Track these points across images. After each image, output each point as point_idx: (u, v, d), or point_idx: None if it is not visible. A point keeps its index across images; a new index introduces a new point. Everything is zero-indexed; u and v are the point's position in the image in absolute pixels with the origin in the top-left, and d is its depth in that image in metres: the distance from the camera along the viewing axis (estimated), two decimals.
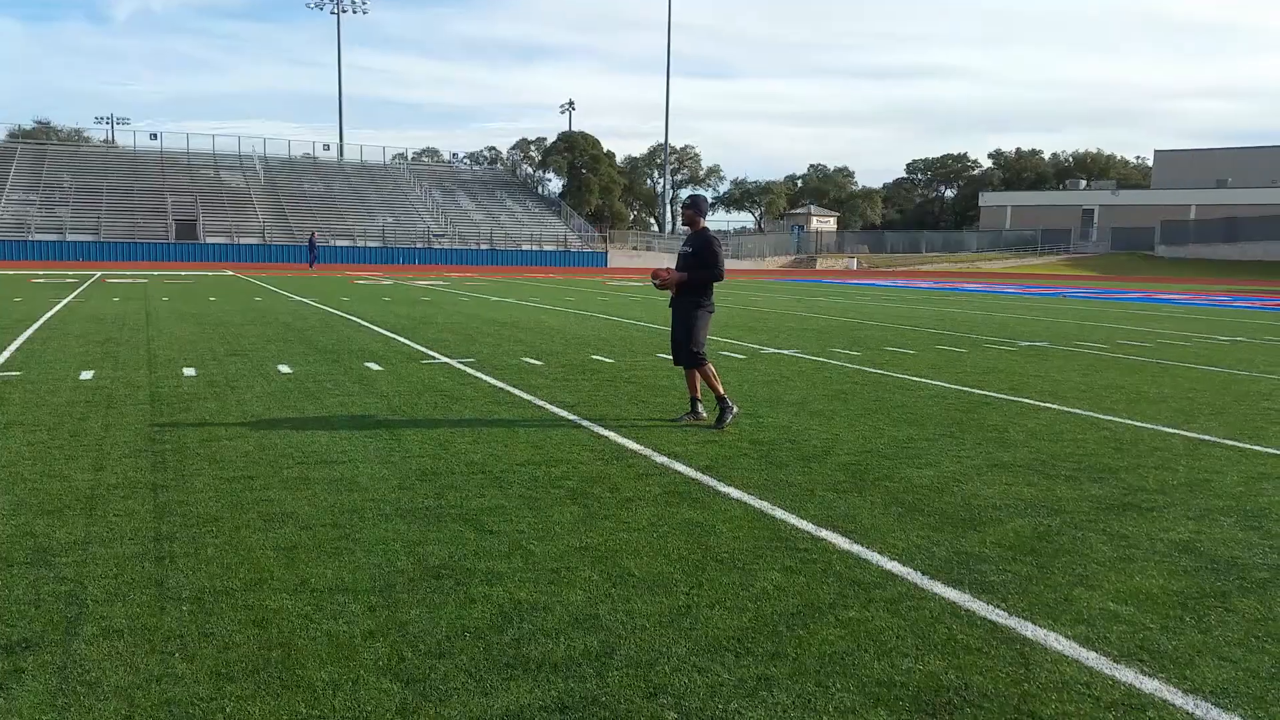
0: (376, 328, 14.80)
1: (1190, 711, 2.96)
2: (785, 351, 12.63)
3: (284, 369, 9.96)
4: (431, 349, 12.02)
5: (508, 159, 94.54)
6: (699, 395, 7.60)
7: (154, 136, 65.69)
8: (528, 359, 11.17)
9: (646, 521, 4.79)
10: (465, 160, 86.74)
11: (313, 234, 49.19)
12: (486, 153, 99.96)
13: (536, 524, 4.71)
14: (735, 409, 7.40)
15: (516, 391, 8.77)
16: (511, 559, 4.19)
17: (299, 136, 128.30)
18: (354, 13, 75.34)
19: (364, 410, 7.68)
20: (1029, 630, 3.55)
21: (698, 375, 7.49)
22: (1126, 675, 3.19)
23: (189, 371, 9.69)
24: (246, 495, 5.11)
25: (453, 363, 10.73)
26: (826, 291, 31.64)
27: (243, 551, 4.22)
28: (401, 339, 13.19)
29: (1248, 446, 6.93)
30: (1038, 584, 4.04)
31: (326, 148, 72.07)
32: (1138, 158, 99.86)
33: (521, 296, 24.48)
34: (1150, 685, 3.12)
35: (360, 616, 3.53)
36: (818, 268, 64.26)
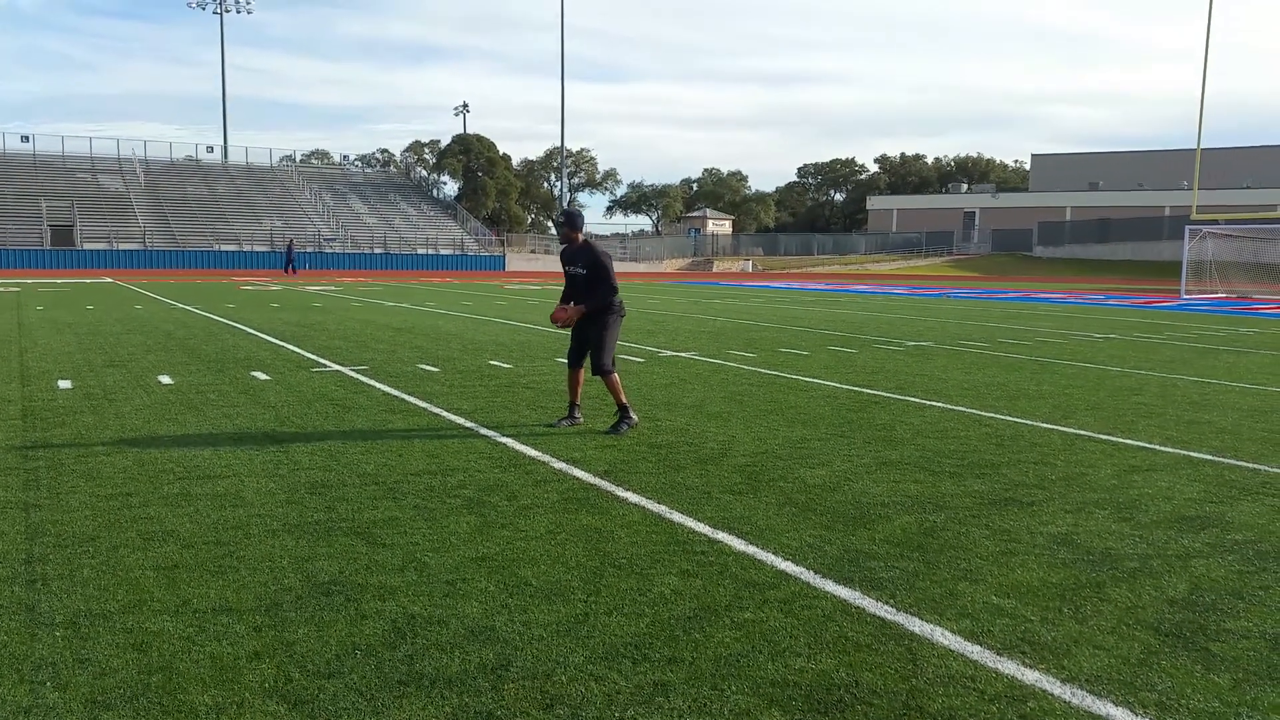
0: (264, 335, 14.32)
1: (1067, 700, 3.08)
2: (683, 354, 12.74)
3: (165, 380, 9.54)
4: (322, 357, 11.69)
5: (401, 161, 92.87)
6: (578, 400, 7.55)
7: (25, 139, 61.97)
8: (423, 366, 10.97)
9: (544, 529, 4.75)
10: (356, 162, 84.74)
11: (290, 241, 48.52)
12: (379, 155, 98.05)
13: (431, 535, 4.62)
14: (634, 420, 7.34)
15: (411, 399, 8.59)
16: (405, 572, 4.10)
17: (181, 138, 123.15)
18: (237, 12, 72.85)
19: (250, 422, 7.41)
20: (916, 626, 3.65)
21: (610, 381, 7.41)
22: (1009, 667, 3.31)
23: (64, 384, 9.19)
24: (125, 513, 4.86)
25: (345, 370, 10.46)
26: (723, 294, 32.08)
27: (120, 572, 4.01)
28: (290, 347, 12.78)
29: (1120, 440, 7.30)
30: (924, 579, 4.16)
31: (210, 150, 69.46)
32: (1016, 161, 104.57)
33: (417, 301, 24.05)
34: (1031, 676, 3.25)
35: (245, 637, 3.39)
36: (714, 270, 65.08)
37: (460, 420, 7.61)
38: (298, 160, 77.41)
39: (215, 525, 4.70)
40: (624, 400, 7.34)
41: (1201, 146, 36.72)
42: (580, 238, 7.47)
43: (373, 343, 13.45)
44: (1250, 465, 6.50)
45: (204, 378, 9.72)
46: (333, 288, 31.22)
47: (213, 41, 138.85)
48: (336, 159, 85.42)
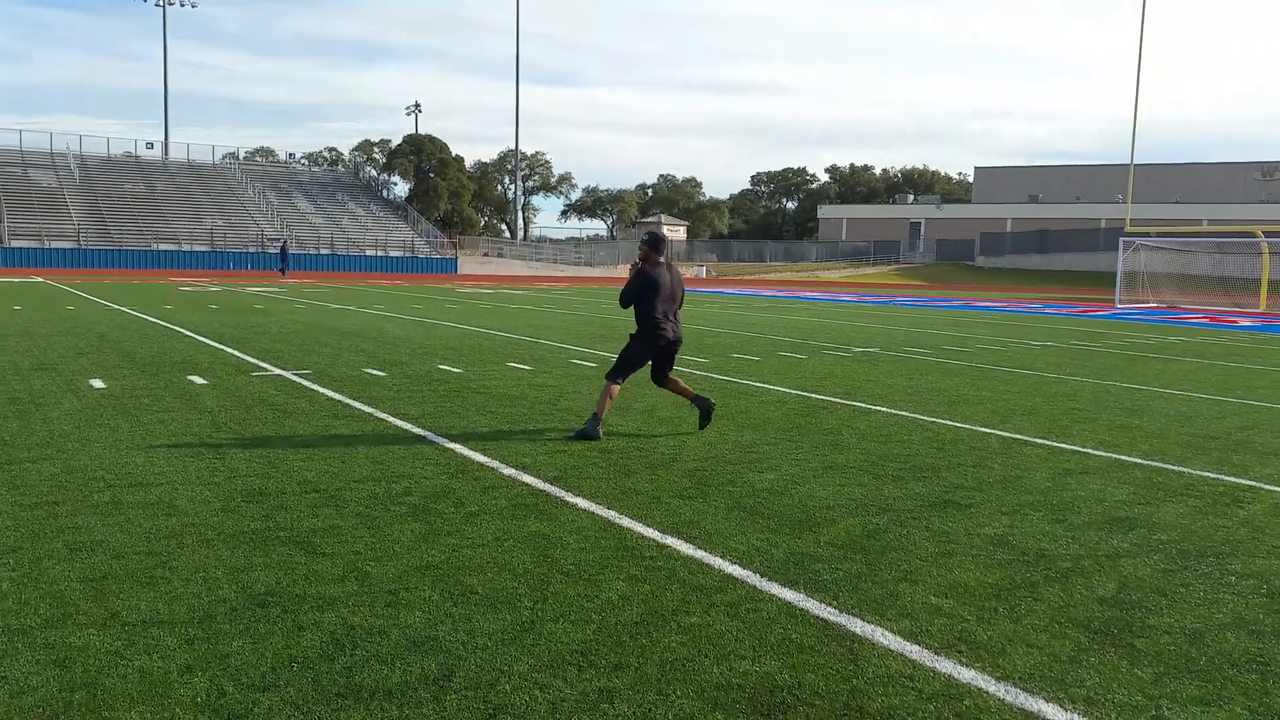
0: (202, 338, 14.03)
1: (1001, 698, 3.15)
2: None
3: (97, 384, 9.29)
4: (263, 360, 11.49)
5: (350, 160, 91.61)
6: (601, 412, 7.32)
7: None
8: (370, 370, 10.84)
9: (491, 536, 4.72)
10: (303, 161, 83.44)
11: (284, 240, 47.59)
12: (326, 154, 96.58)
13: (374, 544, 4.56)
14: (598, 434, 7.17)
15: (356, 404, 8.48)
16: (346, 582, 4.04)
17: (120, 134, 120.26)
18: (181, 5, 71.36)
19: (185, 427, 7.25)
20: (858, 627, 3.70)
21: (674, 385, 7.69)
22: (946, 666, 3.37)
23: None
24: (50, 523, 4.72)
25: (287, 375, 10.29)
26: None
27: (44, 585, 3.89)
28: (230, 350, 12.54)
29: (1055, 444, 7.47)
30: (866, 581, 4.22)
31: (150, 146, 67.82)
32: (960, 174, 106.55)
33: (364, 304, 23.75)
34: (967, 675, 3.31)
35: (176, 650, 3.32)
36: None
37: (407, 426, 7.53)
38: (241, 158, 76.01)
39: (147, 535, 4.58)
40: (601, 414, 7.26)
41: (1135, 163, 37.78)
42: (656, 257, 7.50)
43: (317, 346, 13.25)
44: (1176, 468, 6.70)
45: (138, 382, 9.49)
46: (276, 289, 30.69)
47: (154, 34, 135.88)
48: (282, 157, 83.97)
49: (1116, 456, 7.05)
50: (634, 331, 7.57)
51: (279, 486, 5.54)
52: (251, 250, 54.96)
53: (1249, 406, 9.82)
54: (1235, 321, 26.44)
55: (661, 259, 7.55)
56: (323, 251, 57.23)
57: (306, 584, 4.00)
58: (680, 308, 7.64)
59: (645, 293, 7.41)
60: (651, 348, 7.52)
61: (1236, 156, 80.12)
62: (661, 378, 7.73)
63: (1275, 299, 33.78)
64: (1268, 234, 35.03)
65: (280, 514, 4.99)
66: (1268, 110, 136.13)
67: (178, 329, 15.44)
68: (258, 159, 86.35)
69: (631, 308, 7.50)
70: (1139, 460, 6.94)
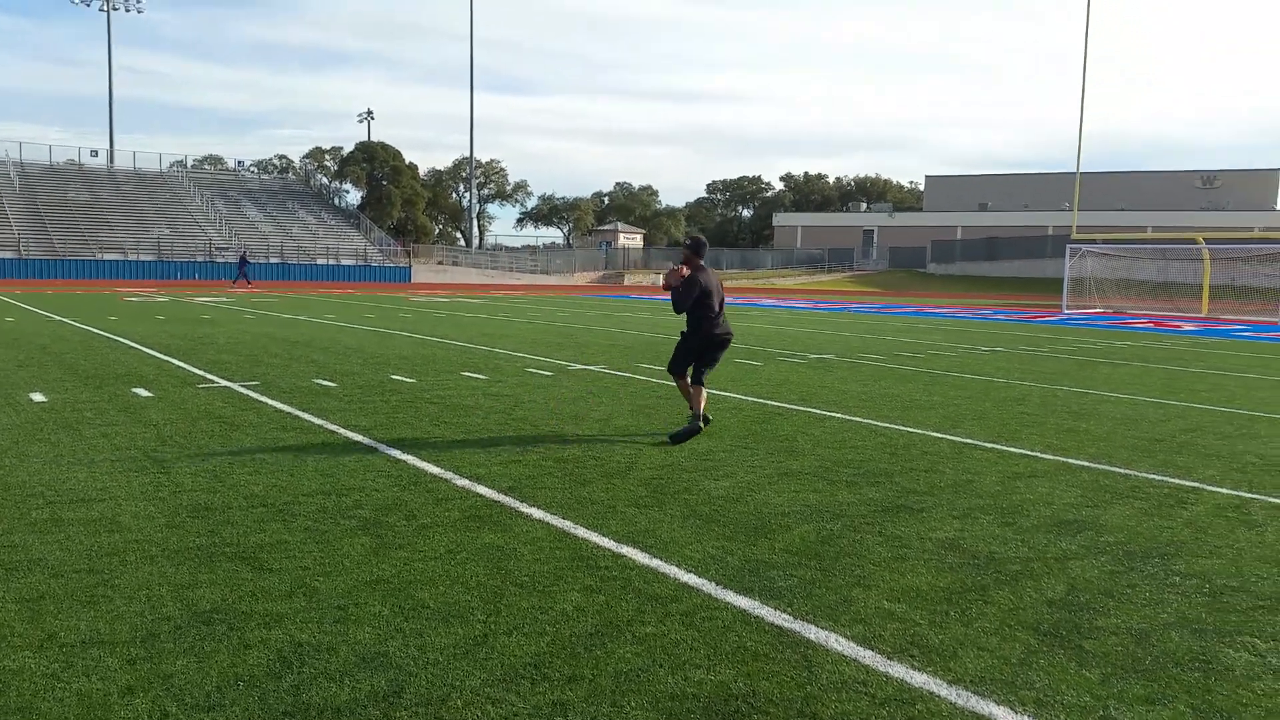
0: (148, 349, 13.73)
1: (953, 702, 3.17)
2: (592, 367, 12.72)
3: (37, 397, 9.05)
4: (210, 372, 11.27)
5: (300, 168, 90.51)
6: (697, 410, 7.76)
7: None
8: (320, 381, 10.69)
9: (444, 549, 4.66)
10: (252, 169, 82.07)
11: (244, 250, 46.99)
12: (276, 161, 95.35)
13: (323, 558, 4.48)
14: (699, 427, 7.66)
15: (306, 416, 8.35)
16: (293, 598, 3.96)
17: (63, 141, 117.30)
18: (126, 11, 70.04)
19: (129, 441, 7.08)
20: (812, 633, 3.71)
21: (692, 388, 7.87)
22: (899, 670, 3.39)
23: None
24: None
25: (234, 386, 10.10)
26: (634, 307, 32.20)
27: None
28: (176, 361, 12.29)
29: (1004, 448, 7.58)
30: (820, 587, 4.23)
31: (94, 153, 66.36)
32: (911, 182, 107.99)
33: (316, 313, 23.43)
34: (919, 679, 3.33)
35: (117, 671, 3.22)
36: (626, 283, 65.31)
37: (358, 437, 7.43)
38: (189, 165, 74.49)
39: (88, 552, 4.46)
40: (695, 408, 7.73)
41: (1080, 171, 38.61)
42: (698, 261, 7.92)
43: (266, 357, 13.04)
44: (1122, 470, 6.83)
45: (80, 394, 9.25)
46: (224, 299, 30.17)
47: (98, 40, 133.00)
48: (231, 165, 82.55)
49: (1064, 460, 7.17)
50: (684, 330, 8.03)
51: (225, 501, 5.43)
52: (200, 260, 53.99)
53: (1192, 409, 10.05)
54: (1179, 326, 27.07)
55: (702, 262, 7.97)
56: (273, 261, 56.37)
57: (253, 600, 3.91)
58: (723, 307, 8.10)
59: (698, 296, 7.88)
60: (703, 341, 7.94)
61: (1179, 165, 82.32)
62: (699, 376, 7.91)
63: (1217, 304, 34.68)
64: (1208, 241, 36.00)
65: (226, 529, 4.89)
66: (1208, 119, 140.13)
67: (122, 340, 15.10)
68: (206, 167, 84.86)
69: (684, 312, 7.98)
70: (1086, 463, 7.06)
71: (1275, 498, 6.12)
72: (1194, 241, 36.65)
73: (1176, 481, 6.52)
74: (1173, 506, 5.84)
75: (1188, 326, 27.02)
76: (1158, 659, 3.56)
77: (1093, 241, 39.35)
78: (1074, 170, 38.64)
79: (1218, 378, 13.32)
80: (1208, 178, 72.60)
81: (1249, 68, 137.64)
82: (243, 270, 44.32)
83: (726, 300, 8.26)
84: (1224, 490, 6.29)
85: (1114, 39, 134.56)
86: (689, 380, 7.92)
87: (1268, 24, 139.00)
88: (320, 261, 58.34)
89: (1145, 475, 6.69)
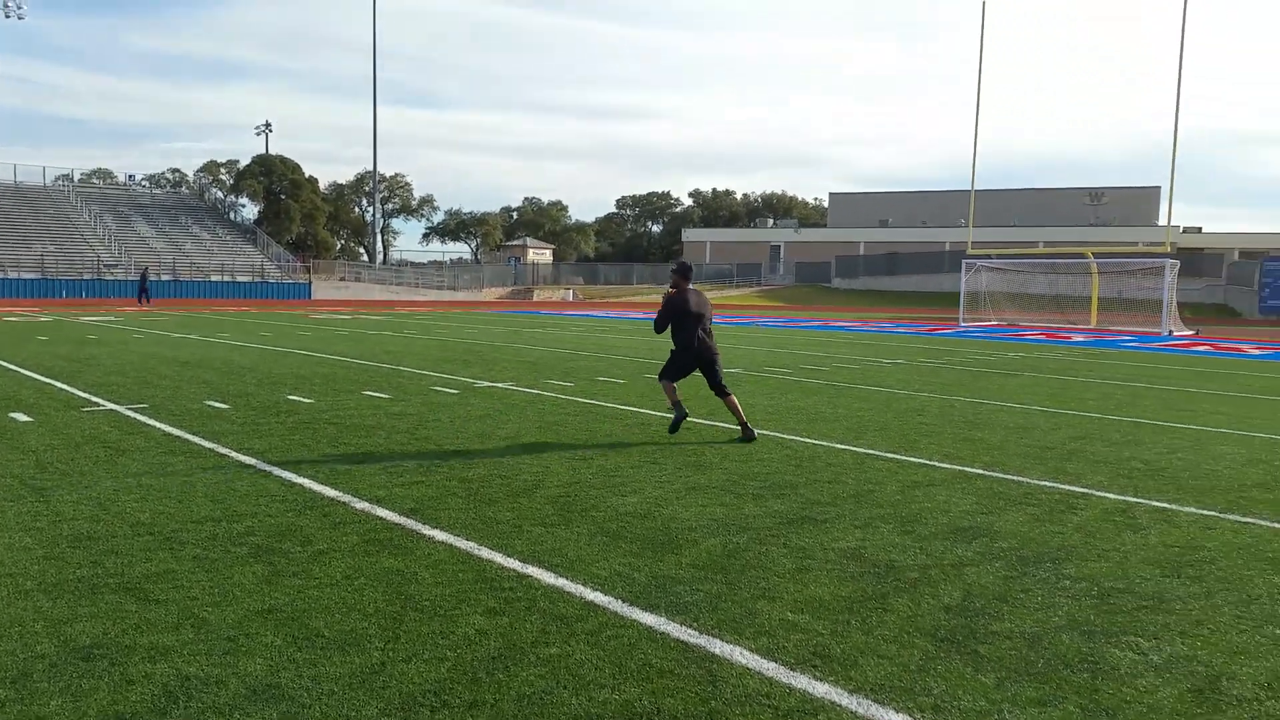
0: (28, 372, 13.03)
1: (854, 710, 3.21)
2: (500, 384, 12.59)
3: None
4: (96, 395, 10.76)
5: (194, 182, 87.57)
6: (744, 419, 8.59)
7: None
8: (212, 402, 10.30)
9: (341, 575, 4.52)
10: (144, 183, 79.02)
11: (145, 268, 45.60)
12: (170, 175, 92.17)
13: (213, 588, 4.30)
14: (684, 412, 8.55)
15: (197, 439, 8.03)
16: (181, 630, 3.79)
17: None
18: (6, 17, 66.77)
19: (4, 469, 6.68)
20: (717, 647, 3.71)
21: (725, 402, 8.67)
22: (802, 681, 3.42)
23: None
24: None
25: (121, 410, 9.66)
26: (543, 323, 32.05)
27: None
28: (59, 384, 11.70)
29: (904, 458, 7.77)
30: (726, 600, 4.25)
31: None
32: (816, 199, 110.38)
33: (209, 332, 22.64)
34: (821, 689, 3.36)
35: None
36: (535, 299, 65.00)
37: (251, 460, 7.17)
38: (76, 180, 71.28)
39: None
40: (673, 399, 8.55)
41: (975, 189, 40.08)
42: (685, 285, 8.67)
43: (155, 378, 12.52)
44: (1015, 478, 7.07)
45: None
46: (112, 318, 28.89)
47: None
48: (122, 179, 79.27)
49: (961, 468, 7.39)
50: (674, 348, 8.74)
51: (109, 530, 5.17)
52: (87, 278, 51.67)
53: (1081, 418, 10.49)
54: (1069, 337, 28.28)
55: (690, 284, 8.70)
56: (165, 278, 54.30)
57: (137, 634, 3.73)
58: (710, 324, 8.73)
59: (675, 316, 8.62)
60: (691, 358, 8.64)
61: (1069, 183, 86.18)
62: (716, 392, 8.73)
63: (1105, 315, 36.31)
64: (1097, 255, 37.73)
65: (110, 559, 4.65)
66: (1097, 138, 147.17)
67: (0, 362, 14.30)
68: (95, 181, 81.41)
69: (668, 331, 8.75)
70: (981, 471, 7.29)
71: (1159, 502, 6.41)
72: (1083, 256, 38.39)
73: (1067, 488, 6.77)
74: (1063, 512, 6.06)
75: (1077, 337, 28.24)
76: (1049, 661, 3.67)
77: (987, 256, 40.84)
78: (969, 188, 40.09)
79: (1105, 387, 13.95)
80: (1095, 194, 76.12)
81: (1127, 91, 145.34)
82: (144, 289, 43.06)
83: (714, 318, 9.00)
84: (1111, 495, 6.56)
85: (1006, 61, 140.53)
86: (720, 397, 8.74)
87: (1147, 50, 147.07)
88: (215, 278, 56.45)
89: (1037, 482, 6.94)
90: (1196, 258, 58.21)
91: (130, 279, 52.15)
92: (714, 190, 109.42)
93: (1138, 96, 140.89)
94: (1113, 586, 4.60)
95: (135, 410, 9.63)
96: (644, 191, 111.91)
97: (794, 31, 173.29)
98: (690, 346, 8.57)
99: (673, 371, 8.68)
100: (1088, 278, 38.01)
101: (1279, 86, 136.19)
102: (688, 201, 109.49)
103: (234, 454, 7.41)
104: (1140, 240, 57.42)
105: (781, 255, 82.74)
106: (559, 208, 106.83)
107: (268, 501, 5.90)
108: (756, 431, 8.74)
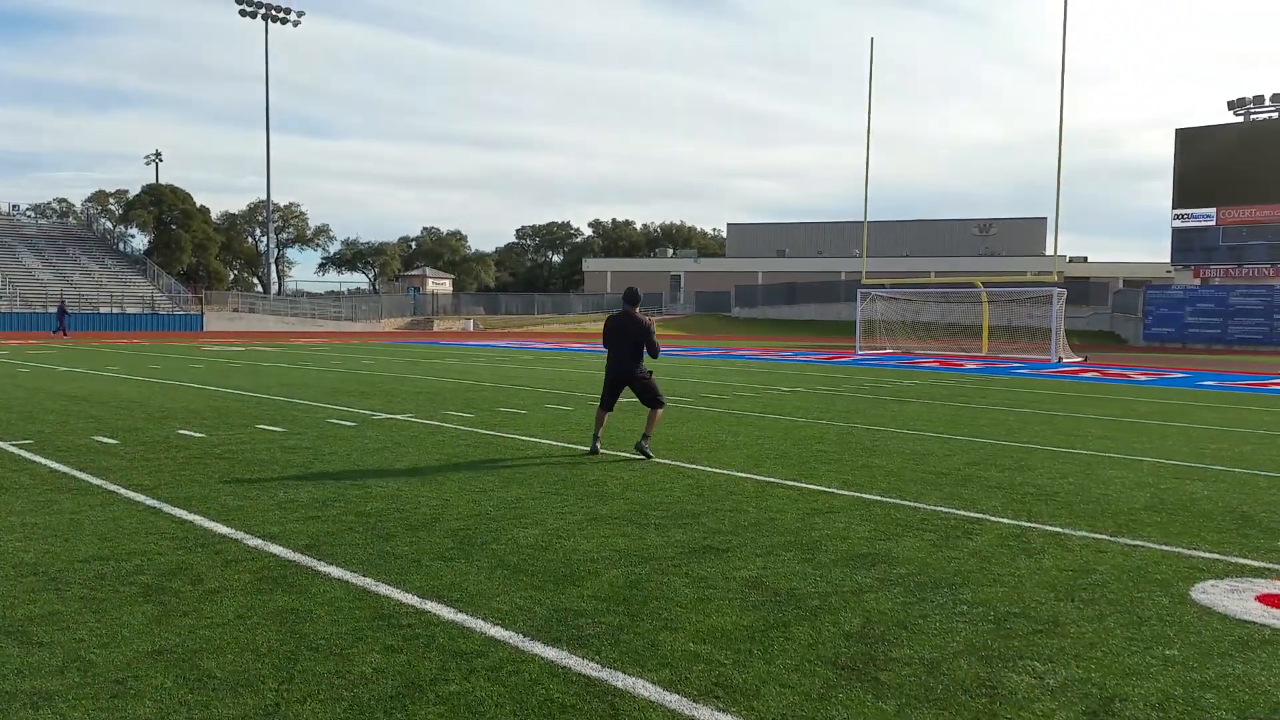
0: None
1: None
2: (398, 416, 12.38)
3: None
4: None
5: (82, 212, 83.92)
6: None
7: None
8: (100, 437, 9.86)
9: (233, 614, 4.38)
10: (29, 212, 75.33)
11: (62, 300, 45.48)
12: (56, 205, 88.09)
13: (100, 629, 4.12)
14: (595, 449, 9.48)
15: (83, 476, 7.67)
16: (66, 674, 3.62)
17: None
18: None
19: None
20: (620, 680, 3.72)
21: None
22: (704, 713, 3.46)
23: None
24: None
25: (4, 446, 9.16)
26: (443, 353, 31.62)
27: None
28: None
29: (804, 485, 7.94)
30: (628, 632, 4.27)
31: None
32: (714, 229, 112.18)
33: (97, 365, 21.64)
34: None
35: None
36: (435, 329, 64.12)
37: (140, 497, 6.89)
38: None
39: None
40: (596, 432, 9.62)
41: (868, 220, 41.44)
42: (635, 309, 9.61)
43: (40, 413, 11.91)
44: (912, 504, 7.29)
45: None
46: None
47: None
48: (4, 209, 75.39)
49: (859, 495, 7.58)
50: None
51: None
52: None
53: (975, 443, 10.87)
54: (962, 365, 29.27)
55: (636, 309, 9.62)
56: (50, 310, 51.71)
57: (19, 679, 3.55)
58: (632, 345, 9.48)
59: (606, 335, 9.73)
60: (609, 377, 9.62)
61: (958, 214, 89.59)
62: (648, 405, 9.56)
63: (995, 343, 37.73)
64: (986, 284, 39.31)
65: None
66: (986, 171, 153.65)
67: None
68: None
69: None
70: (879, 498, 7.49)
71: (1051, 526, 6.63)
72: (973, 285, 39.94)
73: (962, 513, 6.97)
74: (959, 537, 6.23)
75: (970, 365, 29.25)
76: (948, 687, 3.75)
77: (881, 285, 42.16)
78: (862, 219, 41.40)
79: (997, 413, 14.47)
80: (984, 226, 79.41)
81: (1011, 123, 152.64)
82: (62, 321, 42.82)
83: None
84: (1005, 520, 6.77)
85: (893, 93, 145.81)
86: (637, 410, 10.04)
87: (1024, 91, 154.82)
88: (104, 310, 54.04)
89: (933, 508, 7.14)
90: (1083, 286, 61.01)
91: (16, 311, 49.97)
92: (614, 220, 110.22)
93: (1016, 130, 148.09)
94: (1009, 611, 4.71)
95: (19, 446, 9.15)
96: (544, 221, 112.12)
97: (687, 66, 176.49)
98: (610, 366, 9.60)
99: (603, 393, 9.77)
100: (979, 306, 39.51)
101: (1160, 115, 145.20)
102: (588, 231, 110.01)
103: (123, 490, 7.11)
104: (1029, 270, 60.04)
105: (682, 285, 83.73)
106: (458, 238, 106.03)
107: (157, 539, 5.68)
108: (659, 461, 8.82)
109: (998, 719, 3.49)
